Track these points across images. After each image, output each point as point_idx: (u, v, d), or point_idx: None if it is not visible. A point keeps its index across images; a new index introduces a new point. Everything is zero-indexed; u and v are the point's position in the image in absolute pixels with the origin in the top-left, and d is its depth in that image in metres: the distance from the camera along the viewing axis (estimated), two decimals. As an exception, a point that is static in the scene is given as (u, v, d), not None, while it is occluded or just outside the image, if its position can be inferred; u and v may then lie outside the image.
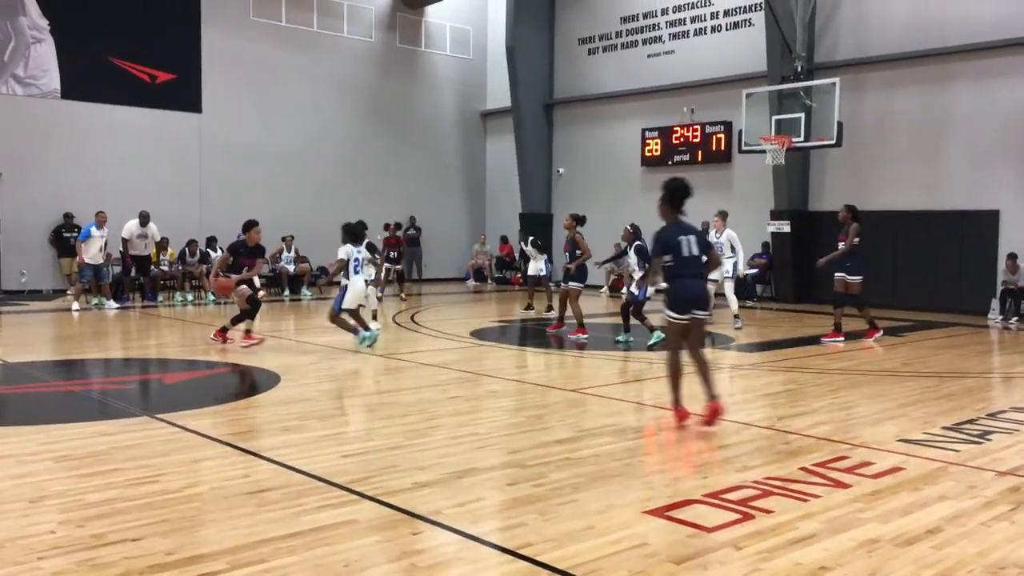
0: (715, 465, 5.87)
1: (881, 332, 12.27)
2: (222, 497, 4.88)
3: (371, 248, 13.49)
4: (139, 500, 4.76)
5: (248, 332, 11.09)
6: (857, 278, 11.91)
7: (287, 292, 18.91)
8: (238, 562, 3.89)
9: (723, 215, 13.87)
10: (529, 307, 16.08)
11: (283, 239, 19.38)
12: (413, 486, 5.10)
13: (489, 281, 23.85)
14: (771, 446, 6.25)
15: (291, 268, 19.35)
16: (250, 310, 11.02)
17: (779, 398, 8.25)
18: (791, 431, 6.67)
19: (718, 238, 13.52)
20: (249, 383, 8.92)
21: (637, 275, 11.46)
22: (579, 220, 12.79)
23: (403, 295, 18.33)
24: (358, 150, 22.62)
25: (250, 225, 11.26)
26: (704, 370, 6.83)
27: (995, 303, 15.40)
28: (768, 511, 4.70)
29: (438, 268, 24.24)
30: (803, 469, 5.56)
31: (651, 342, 11.16)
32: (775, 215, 18.19)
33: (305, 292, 19.02)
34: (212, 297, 17.13)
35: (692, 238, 6.88)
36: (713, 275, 13.10)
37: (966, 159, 16.11)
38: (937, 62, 16.40)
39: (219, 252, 18.13)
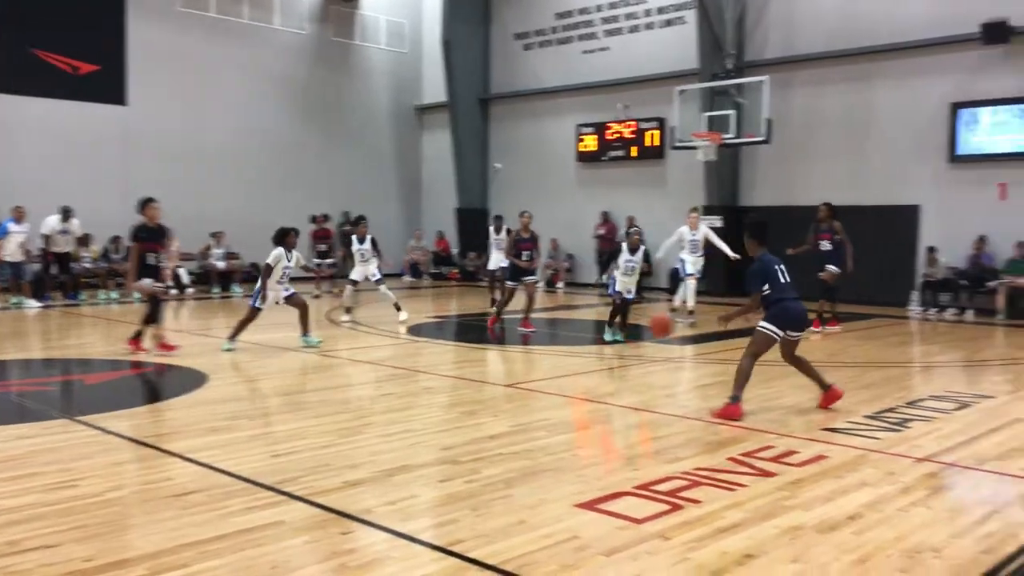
0: (646, 457, 5.94)
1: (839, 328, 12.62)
2: (144, 501, 4.76)
3: (374, 243, 13.49)
4: (57, 505, 4.61)
5: (161, 339, 10.13)
6: (838, 270, 12.45)
7: (217, 289, 18.52)
8: (160, 567, 3.80)
9: (697, 211, 14.10)
10: (495, 302, 15.13)
11: (212, 235, 18.97)
12: (343, 485, 5.04)
13: (425, 277, 23.73)
14: (701, 437, 6.36)
15: (221, 264, 18.95)
16: (152, 310, 9.93)
17: (710, 389, 8.39)
18: (720, 422, 6.78)
19: (694, 235, 13.68)
20: (175, 383, 8.70)
21: (624, 275, 11.20)
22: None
23: (335, 290, 18.05)
24: (291, 144, 22.25)
25: (146, 202, 10.01)
26: (807, 370, 7.40)
27: (915, 295, 15.92)
28: (696, 501, 4.78)
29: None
30: (731, 459, 5.67)
31: (613, 338, 11.20)
32: (707, 210, 18.47)
33: (236, 289, 18.65)
34: (137, 295, 16.67)
35: (783, 266, 7.25)
36: (689, 269, 13.60)
37: (889, 156, 16.60)
38: (862, 61, 16.85)
39: None
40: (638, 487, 5.03)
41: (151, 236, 9.98)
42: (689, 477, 5.23)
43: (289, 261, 10.64)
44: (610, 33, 20.88)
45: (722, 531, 4.32)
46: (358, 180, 23.66)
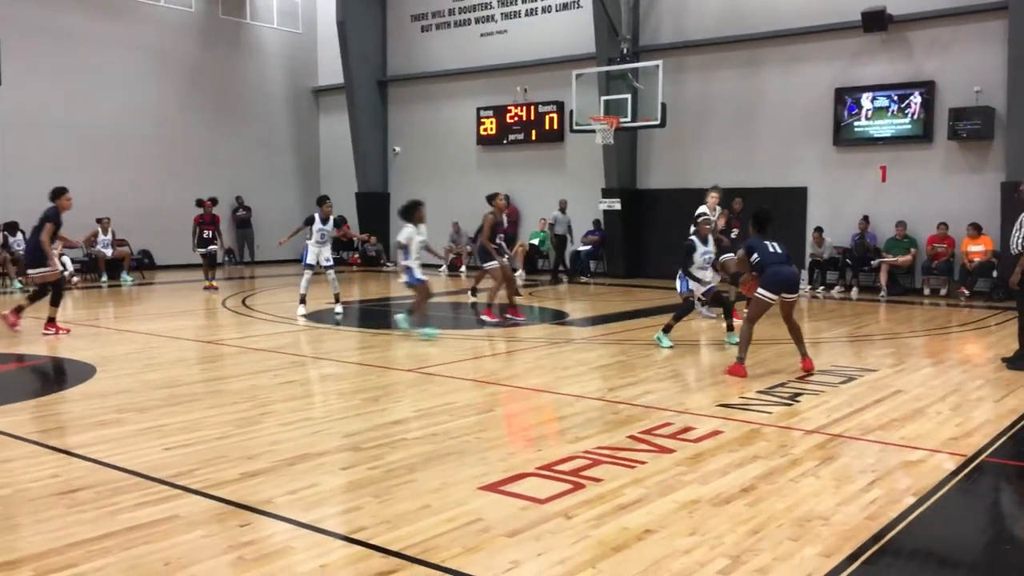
0: (549, 438, 6.00)
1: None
2: (28, 500, 4.52)
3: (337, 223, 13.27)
4: (-71, 510, 4.33)
5: (52, 320, 10.45)
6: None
7: (105, 278, 17.74)
8: (46, 568, 3.62)
9: (717, 190, 12.44)
10: (474, 291, 14.45)
11: (98, 221, 18.14)
12: (241, 476, 4.91)
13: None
14: (602, 416, 6.46)
15: (108, 252, 18.15)
16: (55, 292, 10.42)
17: (610, 370, 8.54)
18: (621, 401, 6.91)
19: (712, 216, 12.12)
20: (61, 376, 8.31)
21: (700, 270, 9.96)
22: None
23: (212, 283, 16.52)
24: (180, 127, 21.44)
25: (60, 191, 10.45)
26: (797, 336, 8.35)
27: (804, 274, 16.56)
28: (598, 479, 4.86)
29: (271, 250, 23.38)
30: (631, 437, 5.78)
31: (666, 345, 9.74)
32: (606, 193, 18.76)
33: (125, 277, 17.89)
34: (19, 285, 15.83)
35: (775, 243, 8.50)
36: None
37: (777, 139, 17.19)
38: (750, 47, 17.36)
39: (18, 236, 16.75)
40: (541, 468, 5.07)
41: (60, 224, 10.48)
42: (590, 456, 5.31)
43: (422, 236, 10.37)
44: (507, 16, 20.87)
45: (623, 508, 4.41)
46: (253, 164, 23.03)
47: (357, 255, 22.92)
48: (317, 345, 10.22)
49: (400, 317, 10.71)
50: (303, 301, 12.50)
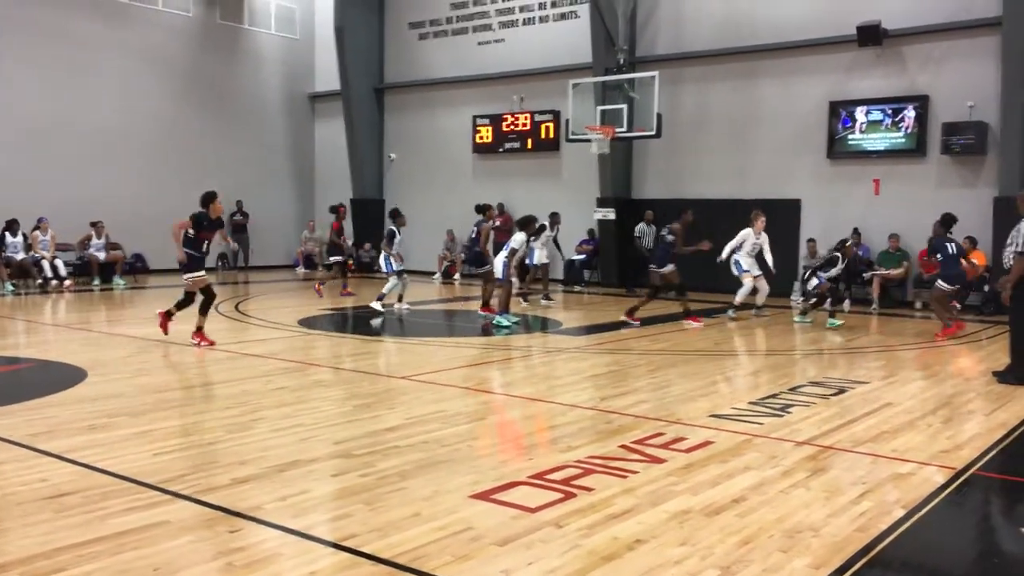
0: (541, 447, 6.00)
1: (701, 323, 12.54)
2: (16, 504, 4.50)
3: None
4: (-83, 512, 4.31)
5: (200, 330, 10.13)
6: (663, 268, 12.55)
7: (97, 281, 17.70)
8: (33, 572, 3.60)
9: (757, 214, 13.67)
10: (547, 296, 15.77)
11: (92, 224, 18.09)
12: (232, 482, 4.90)
13: (320, 268, 23.28)
14: (594, 426, 6.46)
15: (101, 256, 18.10)
16: (205, 299, 10.11)
17: (603, 379, 8.54)
18: (613, 411, 6.92)
19: (757, 239, 13.55)
20: (52, 379, 8.27)
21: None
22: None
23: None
24: (177, 131, 21.42)
25: (212, 197, 10.27)
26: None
27: (797, 285, 16.60)
28: (589, 489, 4.86)
29: (266, 255, 23.40)
30: (623, 447, 5.78)
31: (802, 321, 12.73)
32: (601, 202, 18.79)
33: (118, 281, 17.85)
34: (10, 288, 15.78)
35: (955, 244, 10.93)
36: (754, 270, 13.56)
37: (772, 151, 17.24)
38: (746, 59, 17.43)
39: (19, 237, 16.74)
40: (532, 476, 5.07)
41: (211, 226, 10.20)
42: (582, 465, 5.31)
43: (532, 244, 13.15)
44: (505, 25, 20.93)
45: (613, 517, 4.40)
46: (249, 168, 23.01)
47: (352, 262, 22.88)
48: (308, 351, 10.21)
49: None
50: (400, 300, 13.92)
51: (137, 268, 19.97)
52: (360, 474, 5.10)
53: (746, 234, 13.43)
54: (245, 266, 22.65)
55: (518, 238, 12.49)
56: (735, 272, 13.67)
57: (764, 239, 13.53)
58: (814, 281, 12.85)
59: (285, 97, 24.17)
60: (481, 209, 13.45)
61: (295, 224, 24.19)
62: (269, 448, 5.64)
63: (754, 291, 13.72)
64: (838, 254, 12.77)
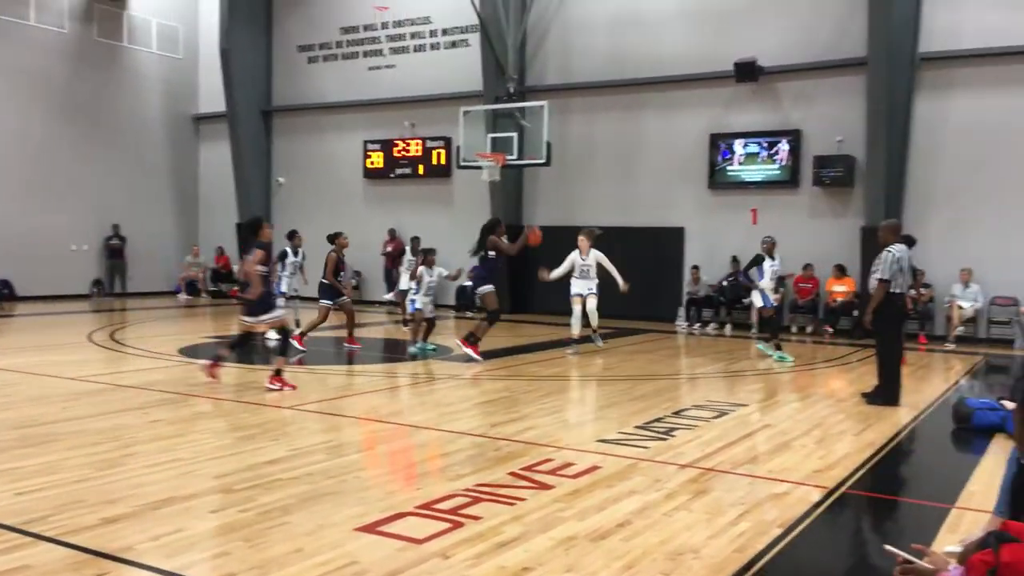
0: (429, 476, 5.94)
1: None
2: None
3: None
4: None
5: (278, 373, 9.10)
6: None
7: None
8: None
9: (590, 234, 12.83)
10: (406, 323, 14.86)
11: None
12: (101, 522, 4.64)
13: (203, 295, 22.54)
14: (483, 453, 6.45)
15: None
16: (283, 342, 9.29)
17: (493, 405, 8.54)
18: (502, 437, 6.92)
19: (584, 259, 12.61)
20: (-98, 416, 7.68)
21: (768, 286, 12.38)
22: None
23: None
24: (48, 152, 20.39)
25: (260, 222, 9.60)
26: None
27: (681, 311, 17.12)
28: (477, 517, 4.83)
29: (144, 281, 22.46)
30: (512, 474, 5.78)
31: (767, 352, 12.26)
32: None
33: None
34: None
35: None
36: (579, 289, 12.63)
37: (656, 180, 17.78)
38: (631, 92, 17.96)
39: None
40: (420, 506, 5.01)
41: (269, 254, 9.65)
42: (470, 494, 5.28)
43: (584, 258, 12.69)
44: (396, 51, 20.92)
45: (501, 546, 4.39)
46: (127, 191, 22.12)
47: (237, 288, 22.22)
48: (189, 382, 9.82)
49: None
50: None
51: (3, 295, 18.84)
52: (240, 509, 4.92)
53: (572, 258, 12.67)
54: (122, 292, 21.68)
55: (435, 272, 12.32)
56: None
57: (593, 258, 12.64)
58: (760, 303, 12.47)
59: (167, 118, 23.39)
60: (331, 237, 12.90)
61: (177, 249, 23.35)
62: (143, 485, 5.38)
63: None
64: (761, 254, 12.44)
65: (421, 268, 12.37)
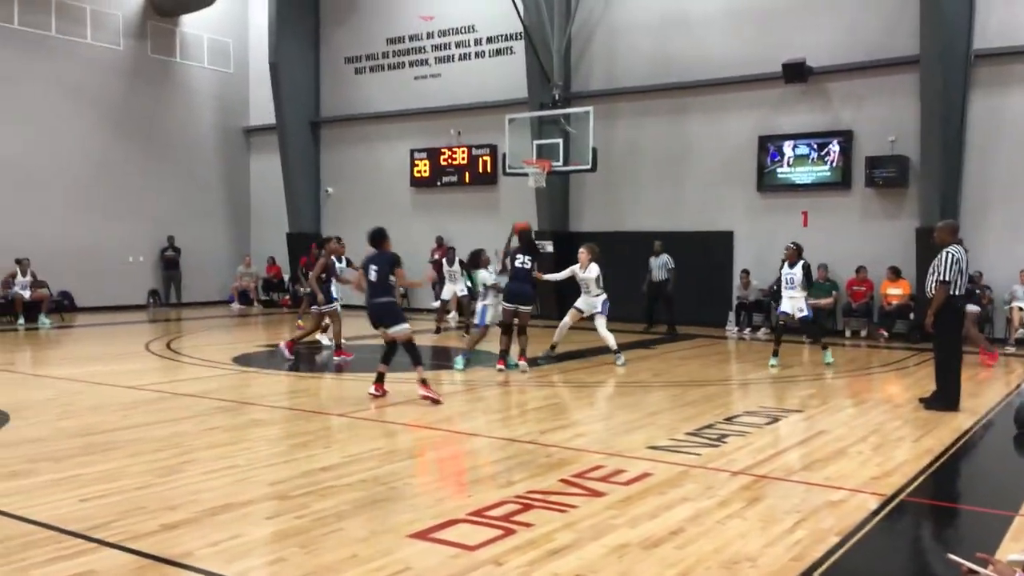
0: (480, 483, 5.96)
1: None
2: (-71, 558, 4.28)
3: (461, 264, 14.60)
4: None
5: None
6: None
7: (21, 320, 17.09)
8: (-54, 632, 3.43)
9: (591, 249, 12.22)
10: (439, 330, 15.94)
11: (17, 262, 17.51)
12: (161, 528, 4.75)
13: (255, 304, 22.92)
14: (534, 460, 6.44)
15: (26, 294, 17.51)
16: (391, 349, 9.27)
17: (542, 412, 8.54)
18: (552, 444, 6.91)
19: (583, 273, 12.06)
20: (-29, 424, 7.94)
21: (799, 294, 11.79)
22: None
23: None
24: (106, 166, 20.94)
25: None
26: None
27: (731, 316, 16.92)
28: (529, 524, 4.83)
29: (199, 291, 22.94)
30: (563, 481, 5.77)
31: (827, 360, 11.72)
32: (539, 235, 18.87)
33: (43, 320, 17.27)
34: None
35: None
36: (580, 304, 12.20)
37: (704, 184, 17.62)
38: (678, 95, 17.84)
39: None
40: (471, 513, 5.03)
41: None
42: (522, 501, 5.29)
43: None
44: (441, 60, 21.07)
45: (553, 553, 4.38)
46: (181, 203, 22.60)
47: (288, 297, 22.59)
48: (244, 390, 10.00)
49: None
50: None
51: (64, 307, 19.37)
52: (295, 516, 5.00)
53: (573, 269, 12.20)
54: (177, 302, 22.16)
55: (488, 275, 12.17)
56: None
57: (592, 273, 11.99)
58: (801, 312, 11.81)
59: (219, 131, 23.87)
60: (321, 243, 12.98)
61: (229, 259, 23.79)
62: (201, 491, 5.49)
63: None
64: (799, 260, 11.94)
65: (487, 272, 12.11)
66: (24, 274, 17.58)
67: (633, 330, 15.83)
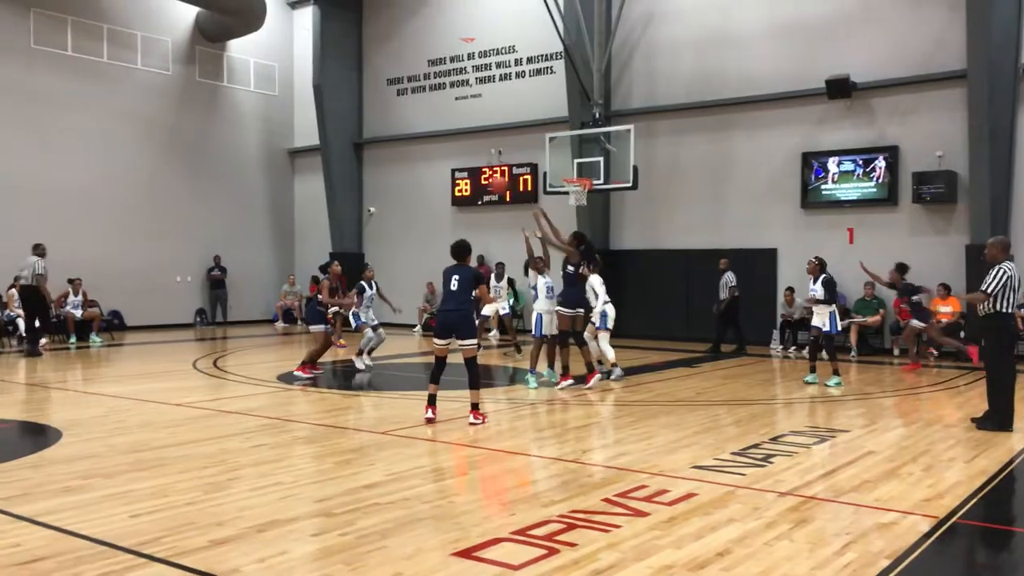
0: (523, 502, 5.94)
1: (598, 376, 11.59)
2: (-13, 571, 4.39)
3: (511, 282, 14.80)
4: None
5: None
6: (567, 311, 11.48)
7: (73, 339, 17.50)
8: (3, 644, 3.51)
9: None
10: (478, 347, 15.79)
11: (70, 282, 17.96)
12: (209, 544, 4.81)
13: (299, 323, 23.18)
14: (576, 479, 6.42)
15: (78, 313, 17.94)
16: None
17: (584, 431, 8.51)
18: (595, 463, 6.88)
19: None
20: (26, 441, 8.14)
21: (825, 309, 11.57)
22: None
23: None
24: (155, 188, 21.43)
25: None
26: None
27: (776, 334, 16.71)
28: (572, 544, 4.81)
29: (244, 310, 23.31)
30: (606, 500, 5.74)
31: (831, 383, 11.40)
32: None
33: (94, 339, 17.67)
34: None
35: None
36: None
37: (747, 201, 17.49)
38: (719, 112, 17.76)
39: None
40: (515, 532, 5.02)
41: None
42: (565, 520, 5.27)
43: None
44: (482, 81, 21.24)
45: (597, 573, 4.36)
46: (227, 224, 23.02)
47: (331, 314, 22.75)
48: (288, 407, 10.11)
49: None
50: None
51: (114, 325, 19.80)
52: (340, 533, 5.03)
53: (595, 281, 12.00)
54: (224, 321, 22.51)
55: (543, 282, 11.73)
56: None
57: (589, 284, 11.94)
58: (824, 327, 11.58)
59: (264, 153, 24.30)
60: (323, 267, 13.52)
61: (274, 279, 24.14)
62: (247, 508, 5.56)
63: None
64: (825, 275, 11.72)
65: (542, 280, 11.81)
66: (76, 294, 18.02)
67: (675, 347, 15.70)
